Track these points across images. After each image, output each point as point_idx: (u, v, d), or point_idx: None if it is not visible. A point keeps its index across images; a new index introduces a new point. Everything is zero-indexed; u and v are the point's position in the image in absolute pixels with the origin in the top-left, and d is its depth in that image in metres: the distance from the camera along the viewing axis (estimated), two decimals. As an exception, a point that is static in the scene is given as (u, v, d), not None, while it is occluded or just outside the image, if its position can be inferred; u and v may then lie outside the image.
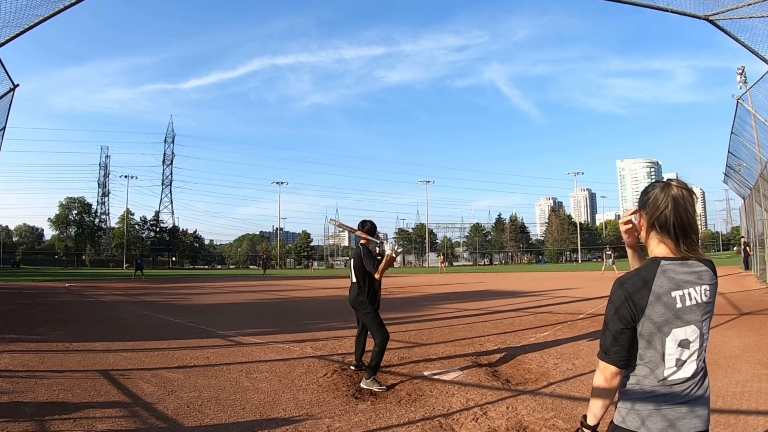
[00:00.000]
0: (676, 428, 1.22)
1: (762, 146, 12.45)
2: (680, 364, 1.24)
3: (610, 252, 26.36)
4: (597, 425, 1.35)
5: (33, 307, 11.55)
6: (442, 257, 42.83)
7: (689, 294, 1.25)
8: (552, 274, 28.41)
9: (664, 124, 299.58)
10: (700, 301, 1.25)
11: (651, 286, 1.24)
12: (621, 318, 1.27)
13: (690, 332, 1.24)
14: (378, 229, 4.76)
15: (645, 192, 1.35)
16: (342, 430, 3.21)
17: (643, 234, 1.35)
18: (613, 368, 1.29)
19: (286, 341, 6.59)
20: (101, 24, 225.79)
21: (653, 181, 1.40)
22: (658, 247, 1.32)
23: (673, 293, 1.24)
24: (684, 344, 1.24)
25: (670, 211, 1.26)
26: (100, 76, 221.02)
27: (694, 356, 1.25)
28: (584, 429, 1.36)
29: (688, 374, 1.24)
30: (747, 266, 20.23)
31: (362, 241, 4.57)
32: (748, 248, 21.43)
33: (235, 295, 16.39)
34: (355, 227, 4.66)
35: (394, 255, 4.30)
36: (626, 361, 1.28)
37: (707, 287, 1.27)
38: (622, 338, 1.27)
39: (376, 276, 4.38)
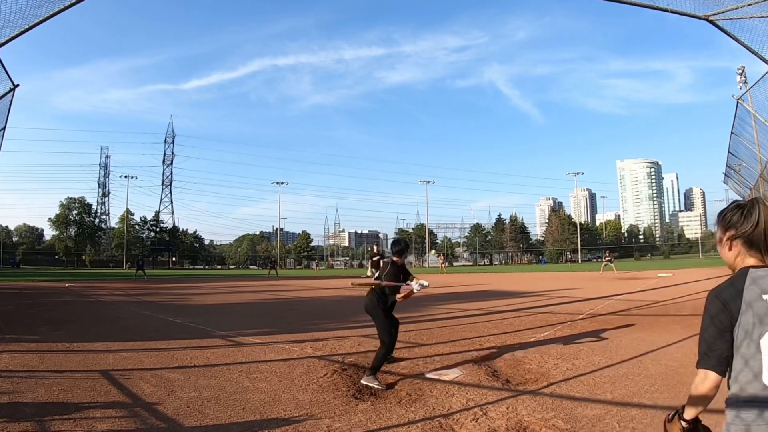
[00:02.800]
0: None
1: (762, 146, 12.46)
2: None
3: (610, 257, 26.44)
4: (693, 420, 1.35)
5: (33, 307, 11.55)
6: (442, 257, 42.87)
7: None
8: (552, 274, 28.40)
9: (664, 124, 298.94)
10: None
11: (743, 295, 1.28)
12: (717, 326, 1.29)
13: None
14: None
15: (730, 211, 1.39)
16: (342, 430, 3.20)
17: (729, 250, 1.39)
18: (711, 375, 1.30)
19: (286, 341, 6.59)
20: (102, 25, 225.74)
21: (734, 201, 1.45)
22: (747, 260, 1.36)
23: (765, 296, 1.26)
24: None
25: (763, 226, 1.31)
26: (101, 76, 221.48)
27: None
28: (681, 421, 1.36)
29: None
30: None
31: (395, 258, 4.73)
32: None
33: (235, 295, 16.39)
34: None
35: (415, 293, 4.54)
36: (723, 370, 1.30)
37: None
38: (718, 346, 1.29)
39: (398, 299, 4.62)
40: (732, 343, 1.28)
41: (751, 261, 1.34)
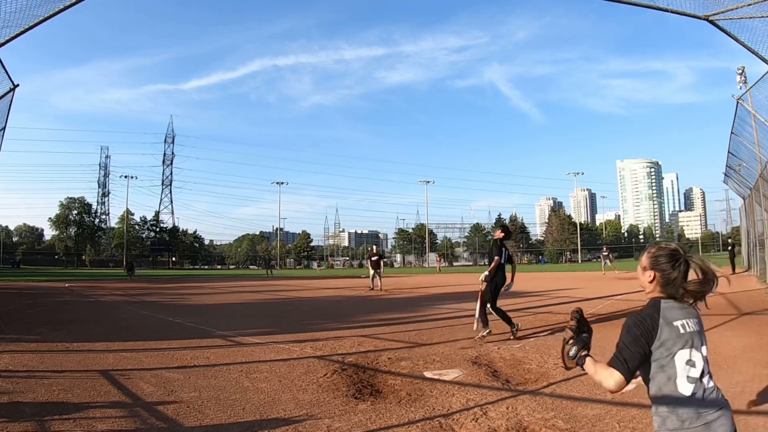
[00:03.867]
0: (711, 429, 1.49)
1: (762, 146, 12.45)
2: (695, 379, 1.53)
3: (607, 252, 26.22)
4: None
5: (33, 307, 11.55)
6: (438, 257, 43.16)
7: (685, 324, 1.60)
8: (552, 274, 28.38)
9: (664, 124, 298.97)
10: (692, 329, 1.60)
11: (659, 320, 1.60)
12: (636, 344, 1.58)
13: (692, 353, 1.56)
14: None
15: (664, 257, 1.68)
16: (342, 430, 3.20)
17: (651, 281, 1.70)
18: (619, 378, 1.57)
19: (286, 341, 6.59)
20: (102, 26, 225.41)
21: (660, 244, 1.80)
22: (658, 291, 1.68)
23: (675, 323, 1.59)
24: (690, 363, 1.55)
25: (678, 273, 1.63)
26: (101, 76, 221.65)
27: (702, 371, 1.55)
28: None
29: (706, 387, 1.54)
30: (734, 266, 20.44)
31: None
32: (736, 249, 22.12)
33: (235, 295, 16.40)
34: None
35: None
36: (630, 377, 1.58)
37: (696, 320, 1.63)
38: (634, 358, 1.57)
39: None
40: (645, 359, 1.59)
41: (661, 293, 1.67)
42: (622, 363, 1.58)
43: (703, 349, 1.61)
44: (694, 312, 1.67)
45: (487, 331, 6.37)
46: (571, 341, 1.77)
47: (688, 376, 1.53)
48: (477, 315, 6.63)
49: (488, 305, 6.49)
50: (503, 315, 6.41)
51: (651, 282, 1.71)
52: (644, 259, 1.75)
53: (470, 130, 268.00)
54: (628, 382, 1.58)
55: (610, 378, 1.59)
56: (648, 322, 1.61)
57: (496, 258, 6.51)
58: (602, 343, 5.99)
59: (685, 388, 1.53)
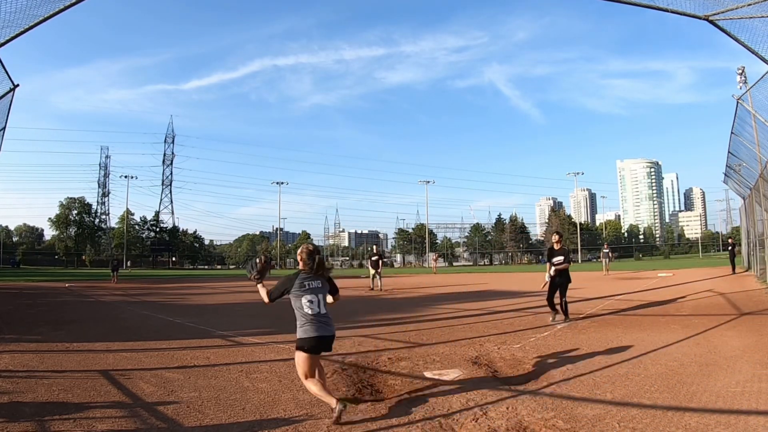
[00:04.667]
0: (319, 332, 3.45)
1: (762, 146, 12.45)
2: (312, 308, 3.48)
3: (608, 250, 26.12)
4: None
5: (33, 307, 11.56)
6: (434, 257, 43.33)
7: (309, 283, 3.53)
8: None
9: (664, 124, 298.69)
10: (315, 285, 3.54)
11: (295, 280, 3.53)
12: (279, 289, 3.57)
13: (312, 297, 3.51)
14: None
15: (302, 251, 3.65)
16: (342, 431, 3.21)
17: (301, 262, 3.63)
18: (267, 301, 3.63)
19: (286, 341, 6.59)
20: (102, 25, 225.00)
21: (305, 244, 3.70)
22: (304, 268, 3.60)
23: (304, 282, 3.53)
24: (310, 300, 3.49)
25: (312, 261, 3.60)
26: (101, 76, 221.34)
27: (318, 306, 3.50)
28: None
29: (317, 312, 3.49)
30: (734, 266, 20.36)
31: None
32: (736, 249, 21.89)
33: (235, 295, 16.40)
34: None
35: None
36: (272, 300, 3.62)
37: (319, 281, 3.58)
38: (277, 294, 3.59)
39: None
40: (283, 293, 3.58)
41: (304, 268, 3.59)
42: (271, 294, 3.60)
43: (320, 295, 3.53)
44: (321, 278, 3.60)
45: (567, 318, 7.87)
46: (254, 274, 3.76)
47: (310, 307, 3.46)
48: (561, 307, 7.88)
49: (563, 298, 7.84)
50: (566, 305, 8.01)
51: (300, 261, 3.60)
52: (298, 252, 3.64)
53: (470, 130, 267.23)
54: (272, 301, 3.62)
55: (264, 298, 3.62)
56: (287, 281, 3.53)
57: (567, 264, 7.89)
58: (603, 343, 6.00)
59: (308, 311, 3.46)
